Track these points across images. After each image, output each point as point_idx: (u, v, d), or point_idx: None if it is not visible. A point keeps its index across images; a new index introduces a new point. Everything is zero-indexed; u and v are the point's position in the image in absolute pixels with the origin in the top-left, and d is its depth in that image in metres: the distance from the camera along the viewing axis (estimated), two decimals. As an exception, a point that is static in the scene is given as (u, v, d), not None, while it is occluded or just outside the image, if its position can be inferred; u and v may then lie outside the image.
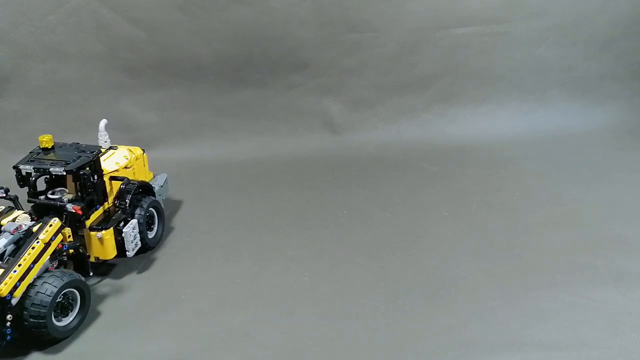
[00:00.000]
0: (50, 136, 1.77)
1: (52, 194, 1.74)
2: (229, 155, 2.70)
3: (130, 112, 2.68)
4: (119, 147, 2.01)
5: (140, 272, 1.84)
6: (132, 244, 1.81)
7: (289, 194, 2.35)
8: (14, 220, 1.60)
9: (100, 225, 1.76)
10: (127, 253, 1.80)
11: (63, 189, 1.76)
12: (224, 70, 2.72)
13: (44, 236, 1.54)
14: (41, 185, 1.81)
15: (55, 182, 1.77)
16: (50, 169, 1.67)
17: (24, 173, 1.70)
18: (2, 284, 1.39)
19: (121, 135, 2.64)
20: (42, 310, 1.45)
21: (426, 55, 2.85)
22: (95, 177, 1.74)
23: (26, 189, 1.75)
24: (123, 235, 1.77)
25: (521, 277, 1.77)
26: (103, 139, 1.97)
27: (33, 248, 1.50)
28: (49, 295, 1.46)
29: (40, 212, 1.69)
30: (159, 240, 1.99)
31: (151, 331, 1.57)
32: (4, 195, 1.70)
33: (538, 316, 1.59)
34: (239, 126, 2.81)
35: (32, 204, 1.72)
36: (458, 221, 2.12)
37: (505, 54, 2.91)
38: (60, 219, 1.62)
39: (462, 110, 2.96)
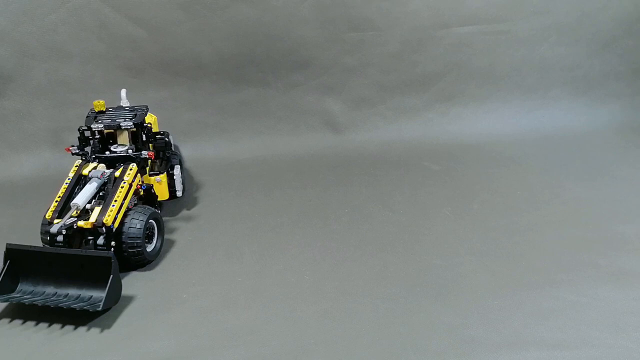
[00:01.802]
0: (103, 101, 2.04)
1: (115, 147, 1.98)
2: (230, 154, 2.70)
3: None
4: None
5: (142, 270, 1.84)
6: (180, 185, 2.15)
7: (291, 193, 2.35)
8: (94, 169, 1.86)
9: (155, 171, 2.08)
10: (177, 193, 2.14)
11: (121, 144, 2.00)
12: (226, 69, 2.72)
13: (128, 177, 1.82)
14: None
15: (106, 140, 2.01)
16: (122, 124, 1.94)
17: (87, 134, 1.96)
18: (107, 216, 1.68)
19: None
20: (138, 238, 1.74)
21: (428, 54, 2.85)
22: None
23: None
24: (174, 177, 2.12)
25: (523, 275, 1.77)
26: (125, 106, 2.18)
27: (122, 187, 1.78)
28: (140, 225, 1.75)
29: (106, 165, 1.92)
30: (184, 187, 2.29)
31: (154, 329, 1.57)
32: (77, 151, 1.95)
33: (540, 315, 1.59)
34: (240, 125, 2.81)
35: (98, 158, 1.95)
36: (460, 220, 2.11)
37: (508, 52, 2.91)
38: (112, 166, 1.89)
39: (464, 109, 2.96)
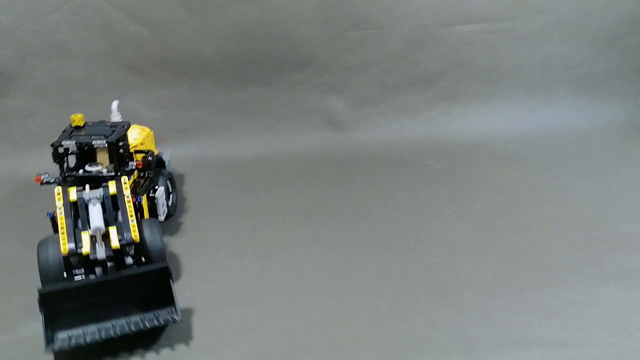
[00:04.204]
0: (81, 115, 1.88)
1: (90, 166, 1.83)
2: (232, 153, 2.70)
3: (134, 109, 2.68)
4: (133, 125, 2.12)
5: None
6: (162, 209, 1.97)
7: (293, 192, 2.35)
8: (80, 191, 1.69)
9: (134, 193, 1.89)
10: (159, 217, 1.94)
11: (98, 162, 1.85)
12: (228, 68, 2.72)
13: (127, 192, 1.69)
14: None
15: (86, 157, 1.87)
16: (93, 142, 1.79)
17: (61, 151, 1.80)
18: (132, 233, 1.58)
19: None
20: (161, 247, 1.66)
21: (430, 53, 2.85)
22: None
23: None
24: (155, 200, 1.92)
25: (525, 274, 1.77)
26: (116, 119, 2.04)
27: (128, 202, 1.67)
28: (160, 235, 1.67)
29: (79, 185, 1.76)
30: (175, 208, 2.18)
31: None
32: (49, 179, 1.79)
33: (542, 314, 1.59)
34: (242, 124, 2.81)
35: (71, 177, 1.80)
36: (462, 219, 2.11)
37: (510, 51, 2.91)
38: (97, 186, 1.71)
39: (466, 108, 2.96)
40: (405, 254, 1.89)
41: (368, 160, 2.63)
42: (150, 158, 1.98)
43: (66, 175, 1.81)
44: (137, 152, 2.01)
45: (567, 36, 2.91)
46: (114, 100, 2.09)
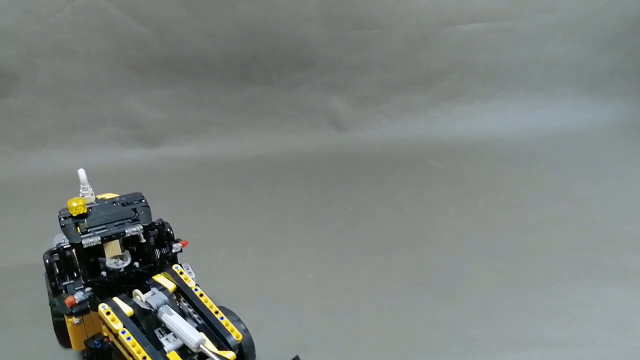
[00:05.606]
0: (83, 200, 1.44)
1: (113, 263, 1.40)
2: (234, 152, 2.70)
3: (137, 109, 2.69)
4: (98, 196, 1.58)
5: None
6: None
7: (295, 191, 2.35)
8: (128, 300, 1.32)
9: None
10: None
11: (120, 255, 1.42)
12: (230, 67, 2.72)
13: (192, 283, 1.39)
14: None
15: (88, 252, 1.39)
16: (126, 231, 1.38)
17: (67, 253, 1.37)
18: (233, 334, 1.29)
19: (127, 132, 2.66)
20: (250, 337, 1.36)
21: (433, 52, 2.84)
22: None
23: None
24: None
25: (528, 274, 1.76)
26: (89, 192, 1.53)
27: (202, 296, 1.37)
28: (243, 323, 1.38)
29: (105, 290, 1.36)
30: None
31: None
32: (83, 298, 1.33)
33: (544, 314, 1.58)
34: (245, 123, 2.81)
35: (98, 283, 1.36)
36: (464, 218, 2.11)
37: (513, 50, 2.90)
38: (139, 287, 1.36)
39: (468, 107, 2.95)
40: (407, 254, 1.89)
41: (370, 160, 2.63)
42: (169, 230, 1.54)
43: (84, 283, 1.36)
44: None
45: (569, 35, 2.91)
46: (84, 161, 1.76)
